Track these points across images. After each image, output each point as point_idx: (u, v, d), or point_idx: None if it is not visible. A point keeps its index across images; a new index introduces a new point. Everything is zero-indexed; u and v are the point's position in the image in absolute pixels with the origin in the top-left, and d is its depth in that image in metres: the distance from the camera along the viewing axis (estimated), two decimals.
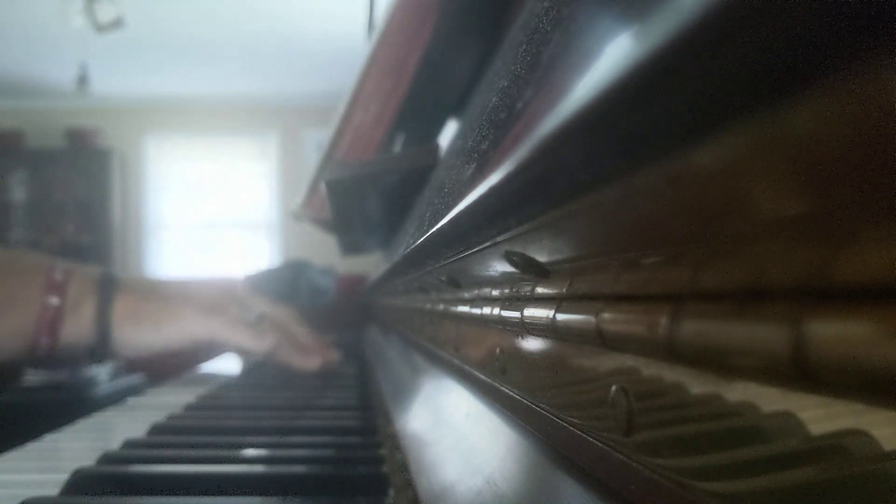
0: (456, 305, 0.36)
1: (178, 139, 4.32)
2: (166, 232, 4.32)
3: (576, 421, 0.20)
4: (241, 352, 0.84)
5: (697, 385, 0.13)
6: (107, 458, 0.42)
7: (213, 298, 0.83)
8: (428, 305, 0.46)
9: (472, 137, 0.27)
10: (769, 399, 0.11)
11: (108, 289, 0.78)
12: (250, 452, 0.44)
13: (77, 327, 0.75)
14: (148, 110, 4.28)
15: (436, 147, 0.63)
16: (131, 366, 2.14)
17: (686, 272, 0.12)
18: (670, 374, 0.14)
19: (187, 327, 0.80)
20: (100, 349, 0.77)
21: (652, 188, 0.12)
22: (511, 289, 0.25)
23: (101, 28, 2.81)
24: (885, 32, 0.06)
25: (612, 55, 0.09)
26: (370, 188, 0.66)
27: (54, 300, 0.73)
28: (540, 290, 0.22)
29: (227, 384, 0.81)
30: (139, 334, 0.79)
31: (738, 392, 0.12)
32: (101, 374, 1.93)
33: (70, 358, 0.80)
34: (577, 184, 0.13)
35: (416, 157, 0.61)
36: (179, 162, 4.33)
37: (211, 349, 0.91)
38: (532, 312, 0.22)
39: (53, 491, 0.36)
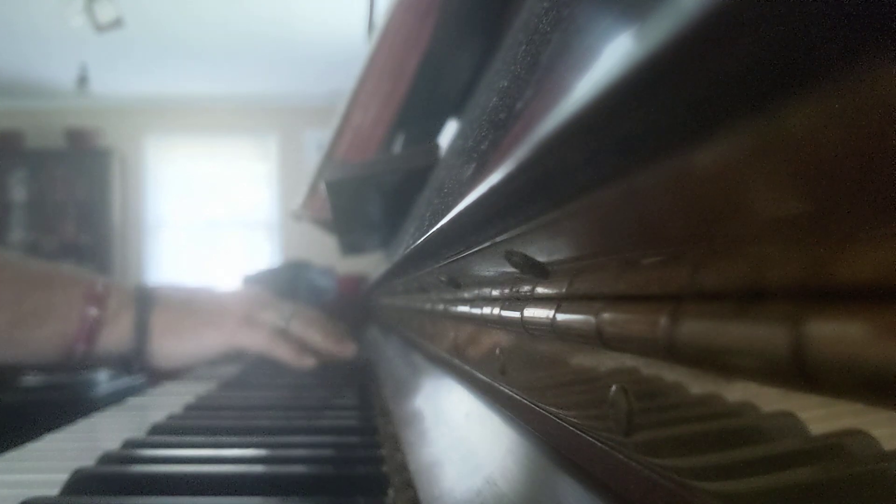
0: (456, 305, 0.36)
1: (178, 139, 4.32)
2: (166, 232, 4.32)
3: (576, 421, 0.20)
4: (278, 362, 0.87)
5: (697, 385, 0.13)
6: (107, 458, 0.42)
7: (249, 307, 0.86)
8: (428, 305, 0.46)
9: (472, 137, 0.27)
10: (769, 399, 0.11)
11: (146, 301, 0.81)
12: (250, 452, 0.44)
13: (115, 337, 0.78)
14: (148, 110, 4.28)
15: (436, 147, 0.63)
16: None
17: (686, 272, 0.12)
18: (670, 374, 0.14)
19: (229, 338, 0.84)
20: (135, 359, 0.80)
21: (652, 188, 0.12)
22: (511, 289, 0.25)
23: (100, 28, 2.81)
24: (885, 32, 0.06)
25: (612, 55, 0.09)
26: (370, 188, 0.66)
27: (94, 311, 0.77)
28: (540, 290, 0.22)
29: (227, 384, 0.81)
30: (179, 345, 0.82)
31: (738, 392, 0.12)
32: (101, 375, 1.93)
33: (104, 367, 0.83)
34: (576, 184, 0.13)
35: (416, 157, 0.61)
36: (179, 162, 4.32)
37: (246, 359, 0.93)
38: (532, 312, 0.22)
39: (53, 491, 0.35)
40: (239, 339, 0.84)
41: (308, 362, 0.86)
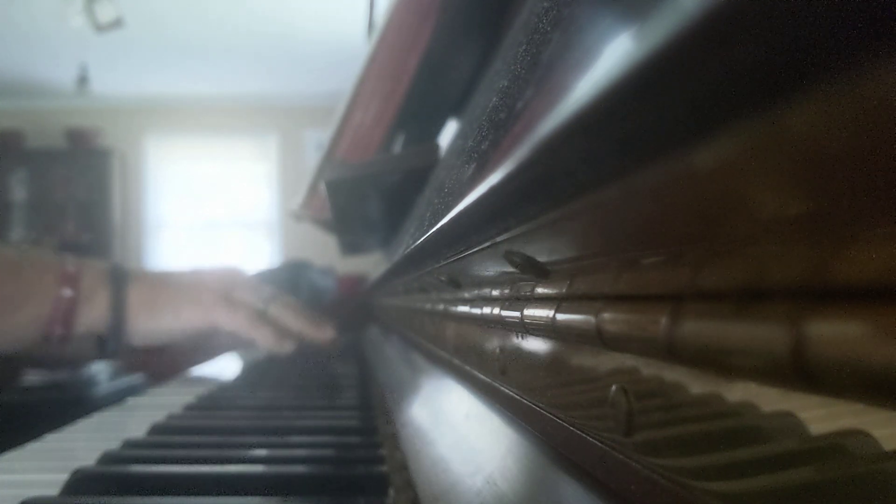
0: (456, 305, 0.36)
1: (178, 139, 4.32)
2: (166, 232, 4.32)
3: (576, 421, 0.20)
4: (256, 345, 0.85)
5: (697, 385, 0.13)
6: (107, 458, 0.42)
7: (227, 286, 0.84)
8: (428, 305, 0.46)
9: (472, 137, 0.27)
10: (769, 399, 0.11)
11: (120, 279, 0.79)
12: (250, 452, 0.44)
13: (91, 316, 0.76)
14: (148, 110, 4.28)
15: (436, 147, 0.63)
16: (131, 365, 2.14)
17: (686, 272, 0.12)
18: (670, 374, 0.14)
19: (206, 314, 0.81)
20: (113, 338, 0.78)
21: (652, 188, 0.12)
22: (511, 289, 0.25)
23: (100, 28, 2.81)
24: (885, 32, 0.06)
25: (613, 55, 0.09)
26: (370, 188, 0.66)
27: (68, 291, 0.75)
28: (540, 290, 0.22)
29: (226, 384, 0.81)
30: (156, 322, 0.80)
31: (738, 392, 0.12)
32: (101, 374, 1.92)
33: (81, 351, 0.81)
34: (576, 184, 0.13)
35: (416, 157, 0.61)
36: (179, 162, 4.32)
37: (221, 340, 0.90)
38: (532, 312, 0.22)
39: (53, 491, 0.35)
40: (217, 316, 0.81)
41: (287, 347, 0.83)
